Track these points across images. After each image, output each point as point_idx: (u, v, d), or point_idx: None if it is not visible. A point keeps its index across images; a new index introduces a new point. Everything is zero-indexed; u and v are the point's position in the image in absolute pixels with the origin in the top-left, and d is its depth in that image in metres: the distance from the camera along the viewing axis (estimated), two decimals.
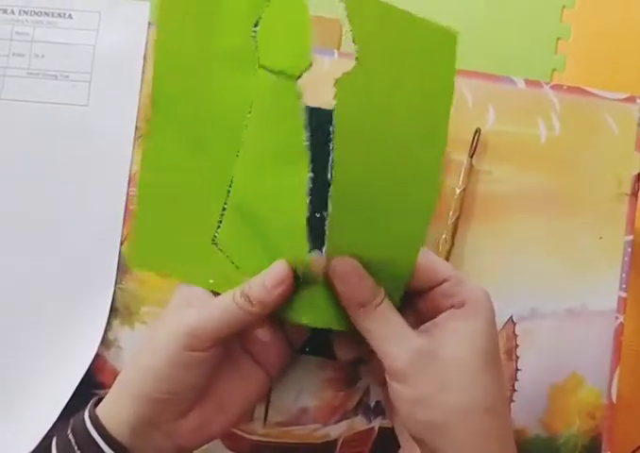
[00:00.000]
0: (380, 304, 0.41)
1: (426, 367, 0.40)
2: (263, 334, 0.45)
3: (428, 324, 0.42)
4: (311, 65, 0.40)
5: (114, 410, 0.43)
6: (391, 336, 0.40)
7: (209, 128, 0.43)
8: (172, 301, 0.45)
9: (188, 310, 0.43)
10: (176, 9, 0.41)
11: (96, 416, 0.43)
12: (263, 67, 0.40)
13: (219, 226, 0.44)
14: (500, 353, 0.45)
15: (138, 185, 0.45)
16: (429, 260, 0.43)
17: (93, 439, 0.41)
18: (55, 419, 0.50)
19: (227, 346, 0.44)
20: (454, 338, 0.41)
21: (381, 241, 0.42)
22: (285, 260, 0.41)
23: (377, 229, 0.42)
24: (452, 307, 0.42)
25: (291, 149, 0.40)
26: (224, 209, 0.44)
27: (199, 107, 0.43)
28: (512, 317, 0.54)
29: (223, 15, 0.41)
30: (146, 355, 0.42)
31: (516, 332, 0.54)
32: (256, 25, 0.39)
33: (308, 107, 0.56)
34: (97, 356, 0.52)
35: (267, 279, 0.41)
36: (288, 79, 0.40)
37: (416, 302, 0.44)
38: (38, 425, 0.50)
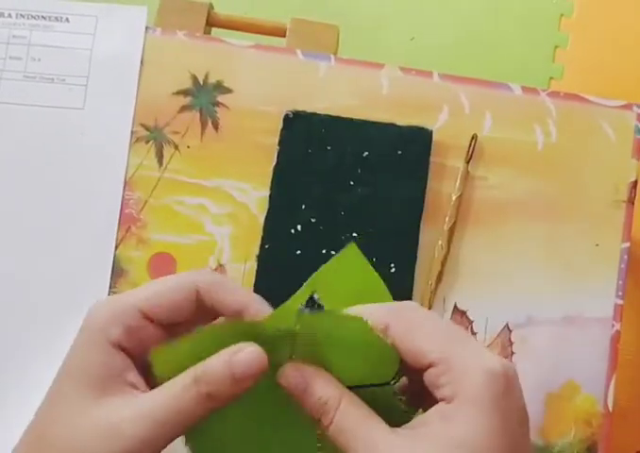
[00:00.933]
0: (330, 424, 0.33)
1: None
2: None
3: (417, 419, 0.33)
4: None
5: None
6: (356, 447, 0.32)
7: None
8: (73, 362, 0.35)
9: (121, 408, 0.33)
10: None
11: None
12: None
13: None
14: None
15: None
16: (409, 337, 0.33)
17: None
18: None
19: None
20: (432, 448, 0.31)
21: None
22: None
23: None
24: (443, 400, 0.32)
25: None
26: None
27: None
28: (507, 324, 0.54)
29: None
30: None
31: (512, 339, 0.54)
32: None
33: (303, 112, 0.56)
34: None
35: (236, 368, 0.32)
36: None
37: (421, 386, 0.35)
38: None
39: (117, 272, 0.54)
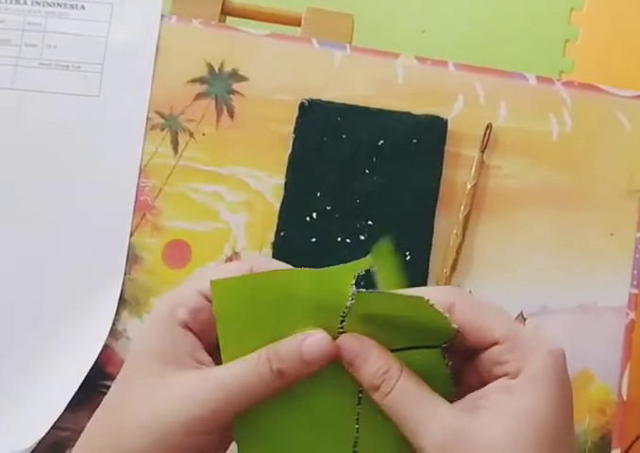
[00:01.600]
0: (391, 391, 0.34)
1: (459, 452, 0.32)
2: None
3: (472, 395, 0.34)
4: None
5: None
6: (415, 417, 0.33)
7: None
8: (144, 343, 0.36)
9: (191, 378, 0.34)
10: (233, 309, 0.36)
11: None
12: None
13: None
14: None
15: None
16: (476, 315, 0.34)
17: None
18: (62, 410, 0.50)
19: None
20: (496, 418, 0.32)
21: None
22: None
23: None
24: (505, 375, 0.33)
25: None
26: None
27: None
28: (522, 313, 0.54)
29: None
30: (129, 433, 0.33)
31: None
32: (342, 321, 0.35)
33: (319, 100, 0.56)
34: (106, 347, 0.52)
35: (306, 351, 0.34)
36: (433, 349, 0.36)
37: (461, 370, 0.36)
38: (45, 416, 0.50)
39: (132, 258, 0.54)
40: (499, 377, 0.34)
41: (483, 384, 0.34)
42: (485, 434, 0.32)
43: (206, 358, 0.36)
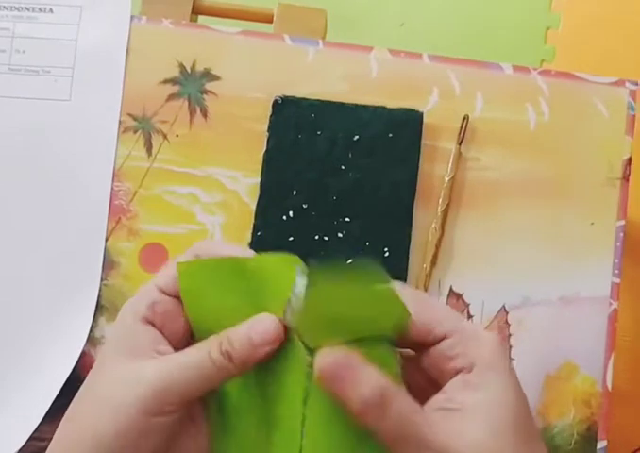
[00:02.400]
0: (392, 413, 0.33)
1: None
2: None
3: (436, 398, 0.34)
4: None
5: None
6: (413, 434, 0.32)
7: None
8: (110, 342, 0.38)
9: (146, 364, 0.35)
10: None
11: None
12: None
13: None
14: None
15: None
16: (422, 310, 0.35)
17: None
18: (41, 418, 0.49)
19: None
20: (471, 418, 0.33)
21: None
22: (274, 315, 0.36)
23: None
24: (460, 371, 0.34)
25: None
26: None
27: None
28: (504, 306, 0.54)
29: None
30: (91, 419, 0.35)
31: (509, 321, 0.53)
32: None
33: (293, 97, 0.55)
34: (84, 353, 0.51)
35: (254, 334, 0.35)
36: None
37: (406, 369, 0.36)
38: (23, 424, 0.49)
39: (109, 264, 0.53)
40: (452, 372, 0.34)
41: (431, 383, 0.35)
42: (468, 437, 0.32)
43: (167, 349, 0.37)
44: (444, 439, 0.32)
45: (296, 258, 0.36)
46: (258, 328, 0.35)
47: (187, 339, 0.39)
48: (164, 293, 0.38)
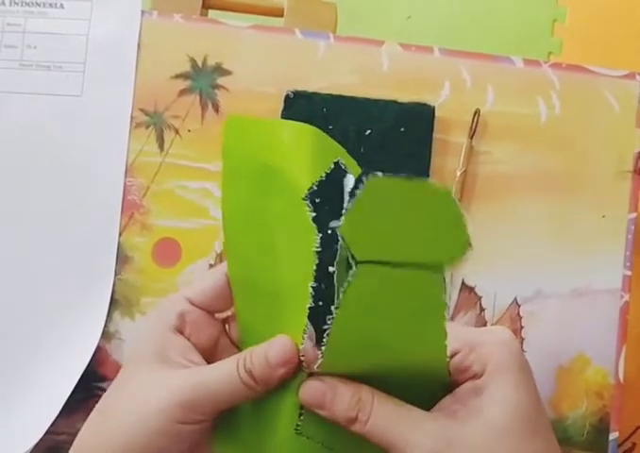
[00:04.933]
0: (370, 417, 0.34)
1: None
2: None
3: (445, 401, 0.36)
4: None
5: None
6: (401, 438, 0.34)
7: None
8: (138, 347, 0.39)
9: (177, 373, 0.36)
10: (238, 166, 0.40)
11: None
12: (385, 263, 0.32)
13: None
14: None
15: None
16: None
17: None
18: (56, 414, 0.50)
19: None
20: (476, 420, 0.34)
21: (393, 352, 0.34)
22: (288, 336, 0.36)
23: (386, 341, 0.34)
24: (473, 378, 0.36)
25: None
26: None
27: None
28: (516, 299, 0.54)
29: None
30: (120, 424, 0.36)
31: (521, 314, 0.54)
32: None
33: (304, 91, 0.55)
34: (98, 348, 0.52)
35: (270, 356, 0.36)
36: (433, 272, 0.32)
37: None
38: (39, 420, 0.50)
39: (122, 259, 0.54)
40: (466, 381, 0.36)
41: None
42: (472, 439, 0.33)
43: (197, 357, 0.38)
44: (436, 440, 0.33)
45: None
46: (274, 348, 0.36)
47: (214, 350, 0.40)
48: (192, 304, 0.40)
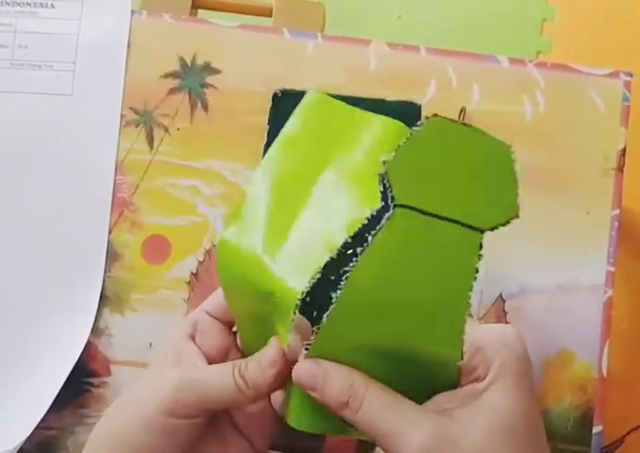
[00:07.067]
0: (361, 405, 0.34)
1: None
2: (250, 405, 0.40)
3: (440, 397, 0.36)
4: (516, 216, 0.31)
5: None
6: (394, 428, 0.33)
7: None
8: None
9: (174, 370, 0.39)
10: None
11: None
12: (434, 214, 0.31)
13: None
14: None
15: None
16: None
17: None
18: (46, 410, 0.50)
19: (212, 415, 0.40)
20: (472, 420, 0.34)
21: (406, 334, 0.33)
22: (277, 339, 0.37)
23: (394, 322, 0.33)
24: (476, 380, 0.35)
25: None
26: None
27: None
28: (501, 294, 0.54)
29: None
30: (121, 418, 0.39)
31: (506, 310, 0.54)
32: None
33: (292, 90, 0.56)
34: (88, 344, 0.52)
35: (262, 358, 0.37)
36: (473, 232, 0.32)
37: None
38: (30, 414, 0.50)
39: (112, 256, 0.54)
40: (470, 383, 0.35)
41: None
42: (464, 440, 0.33)
43: (203, 364, 0.40)
44: (428, 436, 0.33)
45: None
46: (265, 351, 0.38)
47: (224, 361, 0.42)
48: (209, 314, 0.43)
